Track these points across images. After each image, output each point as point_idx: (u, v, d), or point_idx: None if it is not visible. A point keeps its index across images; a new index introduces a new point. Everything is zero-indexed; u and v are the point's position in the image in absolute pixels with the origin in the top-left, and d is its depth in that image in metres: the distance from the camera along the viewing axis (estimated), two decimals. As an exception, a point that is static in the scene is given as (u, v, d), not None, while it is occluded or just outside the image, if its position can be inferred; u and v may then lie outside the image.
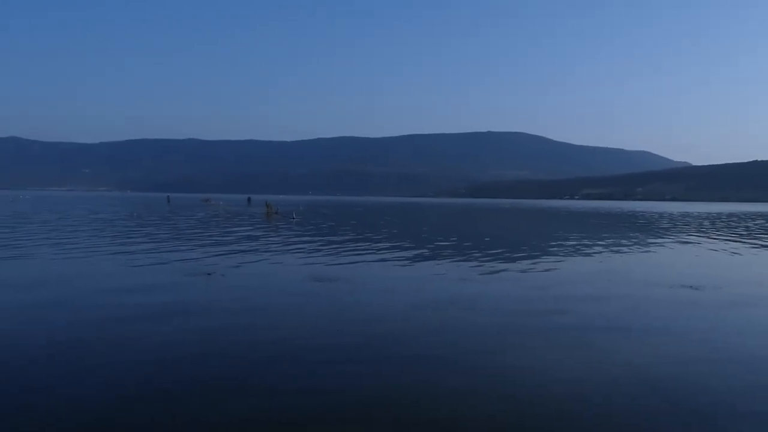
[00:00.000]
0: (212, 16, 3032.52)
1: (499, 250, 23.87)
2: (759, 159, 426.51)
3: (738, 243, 30.50)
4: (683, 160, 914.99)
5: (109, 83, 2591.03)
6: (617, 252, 24.18)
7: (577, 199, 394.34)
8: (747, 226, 48.77)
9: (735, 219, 65.93)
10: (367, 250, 22.88)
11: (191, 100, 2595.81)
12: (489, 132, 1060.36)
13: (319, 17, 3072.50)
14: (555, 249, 24.95)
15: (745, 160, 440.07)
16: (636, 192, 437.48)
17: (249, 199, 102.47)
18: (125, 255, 19.30)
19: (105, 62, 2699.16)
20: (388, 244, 25.49)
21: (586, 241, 29.43)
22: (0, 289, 12.76)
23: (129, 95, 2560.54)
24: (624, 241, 29.94)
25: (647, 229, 43.32)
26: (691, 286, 14.44)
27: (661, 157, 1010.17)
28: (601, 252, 23.89)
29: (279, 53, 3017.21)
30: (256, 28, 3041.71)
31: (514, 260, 20.23)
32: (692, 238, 33.41)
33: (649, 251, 25.18)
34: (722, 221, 59.35)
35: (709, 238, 34.25)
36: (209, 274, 15.25)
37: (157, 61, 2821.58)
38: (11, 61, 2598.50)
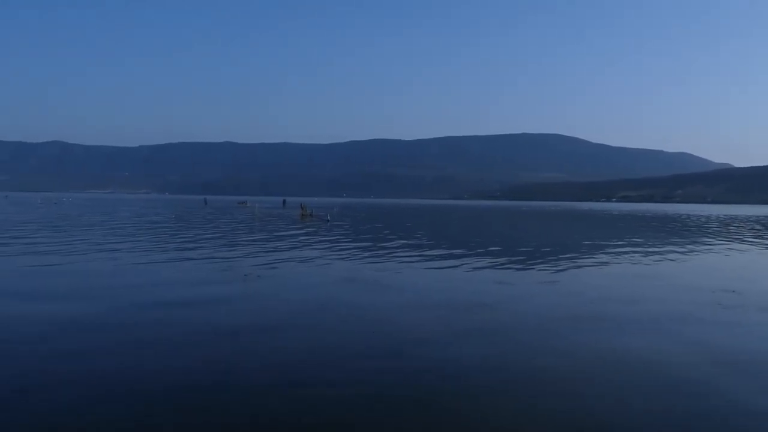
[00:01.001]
0: (244, 20, 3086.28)
1: (546, 256, 22.83)
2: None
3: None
4: (724, 162, 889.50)
5: (149, 88, 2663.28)
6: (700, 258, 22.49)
7: (615, 201, 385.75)
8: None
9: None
10: (414, 256, 21.82)
11: (227, 103, 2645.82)
12: (524, 133, 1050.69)
13: (348, 20, 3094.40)
14: (637, 254, 23.30)
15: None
16: (675, 194, 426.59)
17: (284, 202, 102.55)
18: (175, 262, 18.74)
19: (145, 67, 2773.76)
20: (440, 252, 24.24)
21: (652, 248, 27.61)
22: (78, 301, 11.95)
23: (167, 99, 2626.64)
24: (697, 247, 28.01)
25: (715, 233, 41.01)
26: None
27: (702, 159, 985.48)
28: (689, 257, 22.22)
29: (312, 55, 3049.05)
30: (287, 31, 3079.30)
31: (563, 268, 18.96)
32: None
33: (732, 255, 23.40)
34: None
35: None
36: (258, 276, 15.43)
37: (195, 65, 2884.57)
38: (57, 67, 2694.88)
